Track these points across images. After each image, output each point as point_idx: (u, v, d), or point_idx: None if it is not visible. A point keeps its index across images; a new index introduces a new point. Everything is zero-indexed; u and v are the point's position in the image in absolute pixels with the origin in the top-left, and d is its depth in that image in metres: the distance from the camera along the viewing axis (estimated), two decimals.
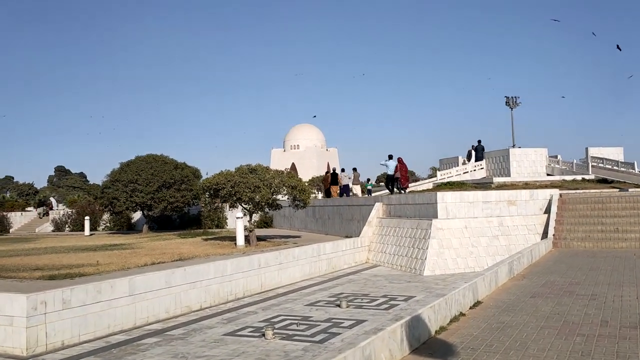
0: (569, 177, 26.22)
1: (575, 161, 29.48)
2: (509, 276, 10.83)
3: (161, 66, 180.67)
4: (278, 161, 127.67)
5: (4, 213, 49.13)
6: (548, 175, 29.98)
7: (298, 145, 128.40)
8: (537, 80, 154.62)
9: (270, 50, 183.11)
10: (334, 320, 10.07)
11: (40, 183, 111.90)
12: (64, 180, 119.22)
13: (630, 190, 20.52)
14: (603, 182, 25.13)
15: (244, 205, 22.57)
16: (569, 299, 8.61)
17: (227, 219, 39.14)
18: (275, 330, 9.19)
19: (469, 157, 33.22)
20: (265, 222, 38.13)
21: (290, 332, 9.18)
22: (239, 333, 9.33)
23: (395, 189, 24.01)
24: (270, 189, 21.96)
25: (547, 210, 18.55)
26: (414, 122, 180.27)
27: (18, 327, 8.49)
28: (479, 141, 33.15)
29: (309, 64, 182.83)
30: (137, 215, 40.82)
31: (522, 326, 6.84)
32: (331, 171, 31.89)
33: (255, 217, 38.81)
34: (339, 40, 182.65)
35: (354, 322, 9.91)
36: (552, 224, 17.68)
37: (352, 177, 30.52)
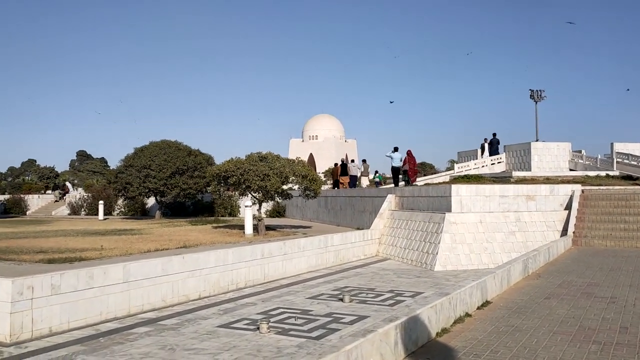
0: (592, 173, 25.27)
1: (599, 156, 28.45)
2: (523, 275, 10.20)
3: (184, 53, 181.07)
4: (296, 151, 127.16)
5: (22, 195, 49.62)
6: (571, 170, 29.02)
7: (317, 135, 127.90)
8: (563, 74, 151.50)
9: (292, 40, 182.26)
10: (334, 315, 9.56)
11: (62, 167, 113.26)
12: (85, 165, 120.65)
13: None
14: (628, 178, 24.15)
15: (254, 194, 22.13)
16: (586, 302, 7.97)
17: (239, 207, 38.84)
18: (271, 324, 8.72)
19: (482, 150, 32.34)
20: (278, 212, 37.79)
21: (287, 327, 8.70)
22: (233, 325, 8.87)
23: (401, 181, 23.72)
24: (281, 177, 21.48)
25: (568, 207, 17.77)
26: (435, 114, 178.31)
27: (2, 313, 8.13)
28: (494, 134, 32.24)
29: (330, 54, 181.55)
30: (151, 201, 40.78)
31: (532, 330, 6.25)
32: (341, 162, 31.56)
33: (267, 206, 38.62)
34: (361, 30, 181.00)
35: (355, 317, 9.39)
36: (572, 220, 16.91)
37: (362, 169, 30.12)
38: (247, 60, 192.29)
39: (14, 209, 47.68)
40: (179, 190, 33.51)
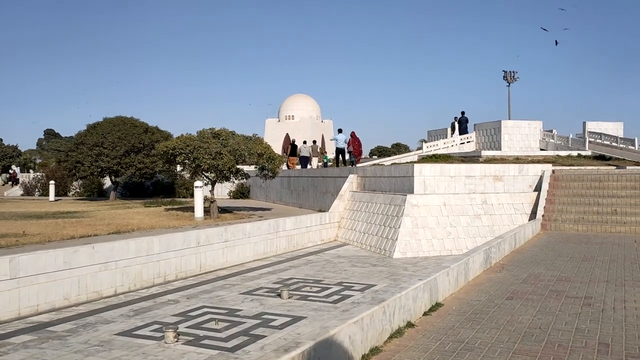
0: (563, 153, 24.19)
1: (571, 136, 27.39)
2: (484, 266, 8.87)
3: (155, 30, 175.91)
4: (272, 131, 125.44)
5: None
6: (542, 150, 27.93)
7: (293, 115, 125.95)
8: (535, 54, 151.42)
9: (269, 17, 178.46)
10: (265, 317, 8.11)
11: (30, 145, 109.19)
12: (51, 144, 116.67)
13: (628, 167, 18.52)
14: (600, 158, 23.13)
15: (205, 174, 20.45)
16: (556, 303, 6.64)
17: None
18: (183, 330, 7.25)
19: (452, 130, 31.06)
20: (242, 193, 36.16)
21: (202, 333, 7.22)
22: (137, 332, 7.34)
23: (343, 162, 24.42)
24: (235, 156, 19.83)
25: (538, 188, 16.57)
26: (411, 95, 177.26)
27: None
28: (463, 112, 30.90)
29: (305, 34, 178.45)
30: (108, 182, 38.72)
31: (487, 349, 4.84)
32: (291, 143, 31.58)
33: (231, 187, 36.93)
34: (340, 10, 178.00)
35: (289, 319, 7.95)
36: (541, 203, 15.71)
37: (313, 150, 29.47)
38: (223, 39, 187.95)
39: None
40: (134, 169, 31.53)
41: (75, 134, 32.39)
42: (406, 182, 15.99)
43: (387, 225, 15.20)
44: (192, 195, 36.75)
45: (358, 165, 22.97)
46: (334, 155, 26.55)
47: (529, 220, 15.58)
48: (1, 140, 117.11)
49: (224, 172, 19.68)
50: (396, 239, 14.38)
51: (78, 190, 41.05)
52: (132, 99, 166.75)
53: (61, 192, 41.13)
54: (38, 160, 71.91)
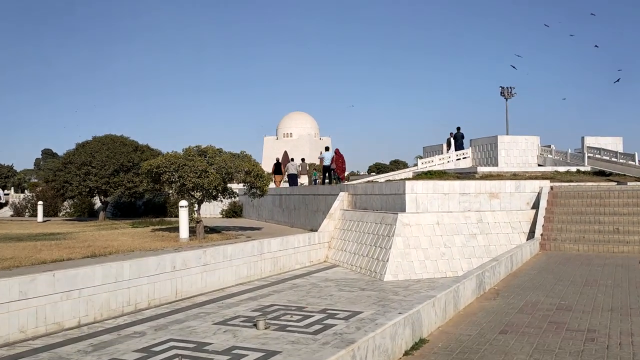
0: (562, 168, 23.50)
1: (569, 151, 26.72)
2: (477, 293, 8.13)
3: (154, 51, 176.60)
4: (270, 149, 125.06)
5: None
6: (539, 165, 27.26)
7: (291, 133, 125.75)
8: (534, 69, 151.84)
9: (266, 34, 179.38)
10: (236, 351, 7.37)
11: (28, 165, 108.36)
12: (47, 163, 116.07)
13: (629, 183, 17.83)
14: (600, 174, 22.44)
15: (192, 193, 19.72)
16: (556, 339, 5.89)
17: (194, 207, 36.34)
18: None
19: (448, 145, 30.39)
20: (235, 212, 35.41)
21: None
22: None
23: (329, 180, 24.24)
24: (221, 174, 19.14)
25: (536, 205, 15.87)
26: (410, 111, 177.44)
27: None
28: (458, 128, 30.23)
29: (305, 53, 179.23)
30: (100, 202, 38.01)
31: None
32: (275, 161, 31.66)
33: (223, 206, 36.16)
34: (334, 29, 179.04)
35: (261, 355, 7.21)
36: (540, 221, 14.99)
37: (300, 168, 29.40)
38: (220, 56, 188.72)
39: None
40: (124, 189, 30.82)
41: (64, 153, 31.73)
42: (397, 200, 15.29)
43: (377, 246, 14.47)
44: None
45: (348, 182, 22.31)
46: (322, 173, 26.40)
47: (527, 239, 14.85)
48: None
49: (210, 190, 18.96)
50: (387, 261, 13.64)
51: (68, 210, 40.28)
52: (126, 118, 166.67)
53: (51, 212, 40.40)
54: (34, 180, 70.99)
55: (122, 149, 31.06)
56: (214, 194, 20.11)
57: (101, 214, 32.93)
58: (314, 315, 9.52)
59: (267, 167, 37.41)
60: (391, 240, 13.97)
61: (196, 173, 18.45)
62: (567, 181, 19.01)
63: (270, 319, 9.26)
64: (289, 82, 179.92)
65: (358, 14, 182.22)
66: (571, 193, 16.03)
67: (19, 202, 43.18)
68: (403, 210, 14.85)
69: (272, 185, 28.23)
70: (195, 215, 19.93)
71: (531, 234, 14.97)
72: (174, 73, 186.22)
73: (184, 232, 18.79)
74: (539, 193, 16.14)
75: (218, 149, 20.30)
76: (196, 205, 20.42)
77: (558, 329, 6.29)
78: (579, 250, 13.76)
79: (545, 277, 10.17)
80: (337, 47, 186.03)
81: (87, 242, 18.33)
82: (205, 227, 25.26)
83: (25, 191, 46.52)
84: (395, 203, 15.42)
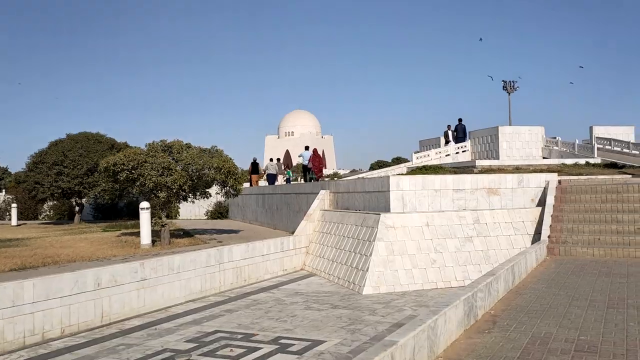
0: (569, 161, 21.38)
1: (577, 142, 24.59)
2: (465, 323, 6.03)
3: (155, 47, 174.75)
4: (272, 147, 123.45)
5: None
6: (544, 158, 25.13)
7: (293, 132, 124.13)
8: (537, 58, 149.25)
9: (267, 32, 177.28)
10: None
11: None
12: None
13: None
14: (612, 166, 20.32)
15: (157, 193, 17.62)
16: None
17: (179, 208, 34.31)
18: None
19: (446, 139, 28.18)
20: (220, 213, 33.39)
21: None
22: None
23: (308, 180, 24.08)
24: (188, 171, 17.06)
25: (541, 202, 13.75)
26: (409, 107, 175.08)
27: None
28: (460, 120, 27.98)
29: (306, 50, 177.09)
30: (84, 203, 35.96)
31: None
32: (252, 161, 30.43)
33: (208, 206, 34.12)
34: (334, 27, 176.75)
35: None
36: (547, 220, 12.87)
37: (277, 167, 29.17)
38: (222, 54, 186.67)
39: None
40: (100, 190, 28.69)
41: (35, 152, 29.68)
42: (381, 198, 13.19)
43: (357, 252, 12.37)
44: (168, 217, 34.10)
45: (335, 180, 20.24)
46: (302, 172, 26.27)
47: (532, 242, 12.73)
48: None
49: (174, 189, 16.88)
50: (367, 270, 11.54)
51: (48, 213, 38.28)
52: (123, 117, 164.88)
53: (30, 215, 38.44)
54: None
55: (96, 147, 29.01)
56: (182, 194, 18.05)
57: (76, 217, 30.90)
58: (261, 348, 7.44)
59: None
60: (372, 246, 11.86)
61: (157, 171, 16.38)
62: (576, 174, 16.91)
63: (202, 354, 7.21)
64: (291, 81, 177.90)
65: (356, 10, 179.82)
66: (582, 188, 13.88)
67: None
68: (387, 210, 12.75)
69: (246, 185, 26.72)
70: (162, 219, 17.83)
71: (537, 236, 12.84)
72: (174, 73, 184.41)
73: (145, 237, 16.72)
74: (545, 188, 14.02)
75: (186, 144, 18.22)
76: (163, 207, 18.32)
77: None
78: (593, 255, 11.61)
79: (555, 294, 8.04)
80: (337, 44, 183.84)
81: (39, 250, 16.29)
82: (180, 230, 23.26)
83: (3, 192, 44.51)
84: (379, 202, 13.32)
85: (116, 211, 35.80)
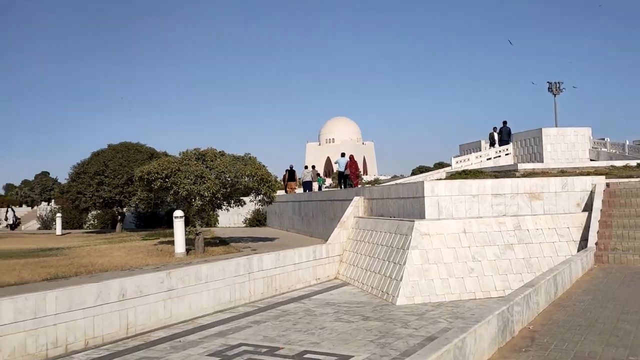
0: (619, 163, 20.26)
1: (627, 143, 23.34)
2: (500, 341, 5.52)
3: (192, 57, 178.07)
4: (313, 154, 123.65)
5: None
6: (592, 160, 23.95)
7: (333, 138, 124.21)
8: (585, 57, 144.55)
9: (308, 41, 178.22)
10: None
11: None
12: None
13: None
14: None
15: (192, 201, 17.59)
16: None
17: (218, 216, 34.46)
18: None
19: (491, 142, 27.27)
20: (259, 221, 33.34)
21: None
22: None
23: (344, 186, 23.83)
24: (221, 179, 16.96)
25: (588, 207, 12.95)
26: (452, 112, 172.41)
27: None
28: (505, 122, 27.01)
29: (347, 57, 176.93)
30: (126, 212, 36.63)
31: None
32: (289, 168, 30.46)
33: (247, 214, 34.14)
34: (375, 35, 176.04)
35: None
36: (594, 226, 12.08)
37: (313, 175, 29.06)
38: (261, 62, 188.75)
39: None
40: (136, 199, 29.11)
41: (78, 162, 30.38)
42: (416, 204, 12.68)
43: (391, 261, 11.90)
44: (207, 225, 34.28)
45: (369, 186, 19.79)
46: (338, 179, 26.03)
47: (578, 249, 11.97)
48: (48, 173, 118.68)
49: (207, 197, 16.79)
50: (400, 279, 11.05)
51: (92, 222, 39.16)
52: (165, 128, 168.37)
53: (76, 224, 39.38)
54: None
55: (136, 157, 29.43)
56: (216, 202, 17.96)
57: (118, 226, 31.43)
58: None
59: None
60: (406, 254, 11.38)
61: (190, 179, 16.33)
62: (627, 177, 15.91)
63: None
64: (331, 88, 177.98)
65: (397, 17, 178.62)
66: (633, 191, 13.01)
67: (45, 215, 42.46)
68: (422, 216, 12.24)
69: (280, 192, 26.67)
70: (195, 228, 17.76)
71: (583, 243, 12.07)
72: (217, 81, 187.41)
73: (179, 246, 16.68)
74: (591, 192, 13.21)
75: (220, 152, 18.15)
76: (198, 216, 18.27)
77: None
78: None
79: (603, 306, 7.40)
80: (377, 48, 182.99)
81: (75, 260, 16.46)
82: (216, 238, 23.23)
83: (52, 202, 45.85)
84: (413, 208, 12.82)
85: (157, 219, 36.27)
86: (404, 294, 10.84)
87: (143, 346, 8.31)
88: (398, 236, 12.17)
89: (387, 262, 12.03)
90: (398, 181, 26.52)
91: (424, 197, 12.31)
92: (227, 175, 17.10)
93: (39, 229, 42.33)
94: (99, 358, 7.74)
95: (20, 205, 54.06)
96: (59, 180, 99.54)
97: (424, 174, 27.86)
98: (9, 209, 43.85)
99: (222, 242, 21.29)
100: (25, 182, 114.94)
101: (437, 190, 12.42)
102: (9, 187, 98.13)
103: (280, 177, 32.60)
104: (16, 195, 66.51)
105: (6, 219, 43.75)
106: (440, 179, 21.74)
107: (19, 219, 44.79)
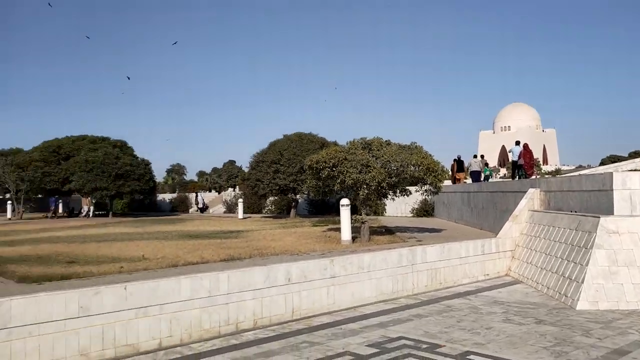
0: None
1: None
2: None
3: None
4: (487, 143, 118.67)
5: (187, 194, 51.57)
6: None
7: (509, 126, 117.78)
8: None
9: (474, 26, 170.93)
10: None
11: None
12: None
13: None
14: None
15: (358, 190, 17.78)
16: None
17: (385, 205, 34.58)
18: None
19: None
20: (426, 211, 32.77)
21: None
22: None
23: (518, 177, 22.50)
24: (387, 168, 16.89)
25: None
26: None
27: None
28: None
29: (523, 40, 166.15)
30: (299, 199, 38.63)
31: None
32: (457, 158, 29.60)
33: (414, 204, 33.71)
34: (550, 17, 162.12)
35: None
36: None
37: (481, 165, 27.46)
38: (434, 51, 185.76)
39: (180, 207, 49.75)
40: (305, 187, 30.45)
41: (257, 152, 32.64)
42: (602, 198, 11.26)
43: (570, 260, 10.73)
44: (375, 213, 34.60)
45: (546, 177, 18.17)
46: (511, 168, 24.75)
47: None
48: (235, 161, 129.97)
49: (373, 186, 16.79)
50: (582, 281, 9.91)
51: (270, 207, 41.88)
52: (335, 117, 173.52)
53: (255, 209, 42.41)
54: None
55: (308, 146, 30.72)
56: (381, 191, 17.93)
57: (292, 212, 33.17)
58: None
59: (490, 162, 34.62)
60: (589, 254, 10.16)
61: (356, 168, 16.48)
62: None
63: None
64: (508, 72, 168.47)
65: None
66: None
67: (230, 200, 46.49)
68: (609, 212, 10.83)
69: (446, 182, 25.57)
70: (361, 216, 17.92)
71: None
72: (389, 74, 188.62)
73: (345, 233, 16.99)
74: None
75: (386, 141, 18.05)
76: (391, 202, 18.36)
77: None
78: None
79: None
80: (559, 31, 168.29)
81: (252, 243, 17.68)
82: (382, 227, 23.28)
83: (236, 188, 50.00)
84: (598, 202, 11.41)
85: (327, 207, 37.56)
86: (585, 297, 9.70)
87: (306, 330, 8.52)
88: (580, 233, 10.92)
89: (566, 261, 10.87)
90: (582, 172, 24.07)
91: (612, 190, 10.87)
92: (393, 165, 16.93)
93: (225, 212, 46.49)
94: (265, 338, 8.09)
95: (210, 191, 59.89)
96: (243, 168, 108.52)
97: (614, 164, 24.96)
98: (197, 194, 49.34)
99: (388, 231, 21.25)
100: (214, 170, 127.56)
101: (629, 182, 10.87)
102: (200, 174, 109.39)
103: (448, 167, 31.64)
104: (206, 182, 74.01)
105: (196, 202, 48.92)
106: (636, 170, 19.16)
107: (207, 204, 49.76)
